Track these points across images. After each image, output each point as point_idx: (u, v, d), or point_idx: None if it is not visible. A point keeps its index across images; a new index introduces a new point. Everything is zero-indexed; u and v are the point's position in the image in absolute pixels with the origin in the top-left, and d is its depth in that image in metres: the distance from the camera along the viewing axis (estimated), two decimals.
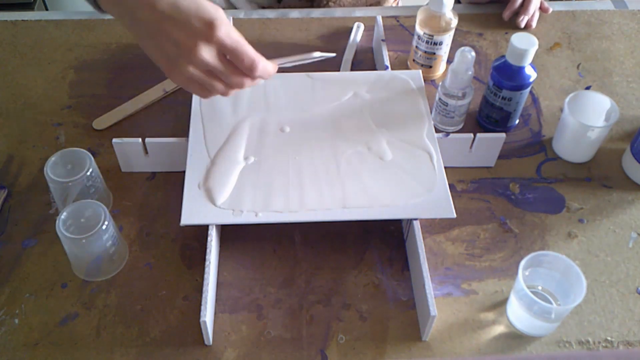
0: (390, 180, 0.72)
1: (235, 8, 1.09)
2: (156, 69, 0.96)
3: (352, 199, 0.71)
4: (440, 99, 0.83)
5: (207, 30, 0.61)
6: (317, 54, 0.73)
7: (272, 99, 0.81)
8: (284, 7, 1.07)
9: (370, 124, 0.79)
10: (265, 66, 0.65)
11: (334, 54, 0.73)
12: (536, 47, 0.77)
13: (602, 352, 0.66)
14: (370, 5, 1.10)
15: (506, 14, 1.02)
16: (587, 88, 0.93)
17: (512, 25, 1.02)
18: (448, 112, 0.83)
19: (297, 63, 0.73)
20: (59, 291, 0.70)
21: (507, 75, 0.80)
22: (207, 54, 0.62)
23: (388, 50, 0.94)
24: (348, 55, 0.96)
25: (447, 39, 0.89)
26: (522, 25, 1.01)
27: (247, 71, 0.64)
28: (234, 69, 0.64)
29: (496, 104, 0.83)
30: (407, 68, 0.95)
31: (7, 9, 1.04)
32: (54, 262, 0.72)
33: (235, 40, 0.62)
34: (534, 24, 1.02)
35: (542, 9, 1.03)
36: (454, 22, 0.87)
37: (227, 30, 0.62)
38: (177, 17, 0.61)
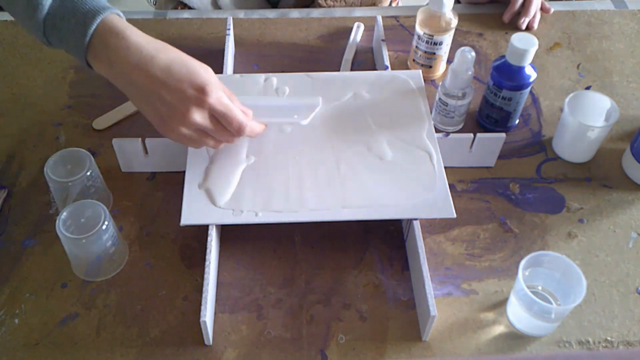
0: (390, 180, 0.72)
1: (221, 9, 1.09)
2: None
3: (352, 199, 0.71)
4: (440, 99, 0.83)
5: (199, 95, 0.64)
6: (303, 121, 0.76)
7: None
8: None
9: (370, 124, 0.79)
10: (253, 127, 0.70)
11: (318, 104, 0.77)
12: (536, 47, 0.77)
13: (602, 352, 0.66)
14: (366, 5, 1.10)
15: (506, 17, 1.02)
16: (587, 88, 0.93)
17: (512, 25, 1.02)
18: (448, 112, 0.83)
19: (283, 121, 0.77)
20: (59, 291, 0.70)
21: (507, 75, 0.80)
22: (199, 117, 0.65)
23: (388, 50, 0.94)
24: (348, 55, 0.96)
25: (447, 39, 0.89)
26: (524, 27, 1.01)
27: (235, 133, 0.68)
28: (224, 130, 0.68)
29: (496, 104, 0.83)
30: (407, 68, 0.95)
31: None
32: (54, 262, 0.72)
33: (224, 105, 0.66)
34: (535, 25, 1.02)
35: (543, 9, 1.03)
36: (454, 22, 0.87)
37: (218, 96, 0.65)
38: (170, 82, 0.63)
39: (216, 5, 1.09)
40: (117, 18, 0.65)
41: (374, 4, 1.11)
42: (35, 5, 0.63)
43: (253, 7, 1.08)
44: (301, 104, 0.77)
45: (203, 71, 0.65)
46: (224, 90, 0.67)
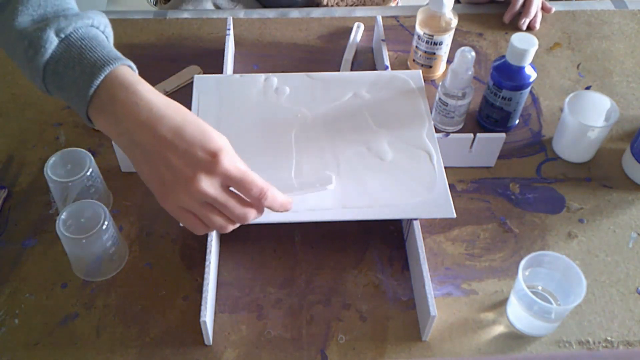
0: (390, 180, 0.72)
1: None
2: (156, 69, 0.96)
3: (352, 199, 0.71)
4: (440, 99, 0.83)
5: (209, 160, 0.56)
6: (329, 186, 0.71)
7: (272, 99, 0.81)
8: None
9: (370, 124, 0.78)
10: (275, 196, 0.60)
11: (332, 181, 0.71)
12: (536, 47, 0.77)
13: (602, 352, 0.66)
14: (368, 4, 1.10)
15: (507, 17, 1.02)
16: (587, 88, 0.93)
17: (512, 25, 1.02)
18: (448, 112, 0.83)
19: (306, 193, 0.71)
20: (59, 291, 0.70)
21: (507, 75, 0.80)
22: (207, 185, 0.56)
23: (388, 50, 0.94)
24: (348, 55, 0.96)
25: (447, 39, 0.89)
26: (524, 27, 1.01)
27: (255, 201, 0.59)
28: (238, 201, 0.59)
29: (496, 104, 0.83)
30: (407, 68, 0.95)
31: None
32: (54, 262, 0.72)
33: (241, 170, 0.57)
34: (537, 25, 1.02)
35: (544, 8, 1.03)
36: (454, 22, 0.87)
37: (233, 160, 0.57)
38: (179, 144, 0.56)
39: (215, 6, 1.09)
40: (128, 71, 0.59)
41: (377, 4, 1.11)
42: (37, 48, 0.57)
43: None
44: (314, 180, 0.72)
45: (218, 137, 0.57)
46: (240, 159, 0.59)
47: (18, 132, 0.85)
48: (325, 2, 1.08)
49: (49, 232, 0.74)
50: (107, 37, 0.62)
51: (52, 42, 0.57)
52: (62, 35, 0.58)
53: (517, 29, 1.01)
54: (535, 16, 1.01)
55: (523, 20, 1.01)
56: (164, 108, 0.57)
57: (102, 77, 0.57)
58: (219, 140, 0.57)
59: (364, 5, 1.11)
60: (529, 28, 1.02)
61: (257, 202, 0.59)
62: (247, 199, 0.59)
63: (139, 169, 0.59)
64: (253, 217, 0.61)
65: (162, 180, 0.57)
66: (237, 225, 0.61)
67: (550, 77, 0.95)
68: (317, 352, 0.65)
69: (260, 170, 0.73)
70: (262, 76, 0.84)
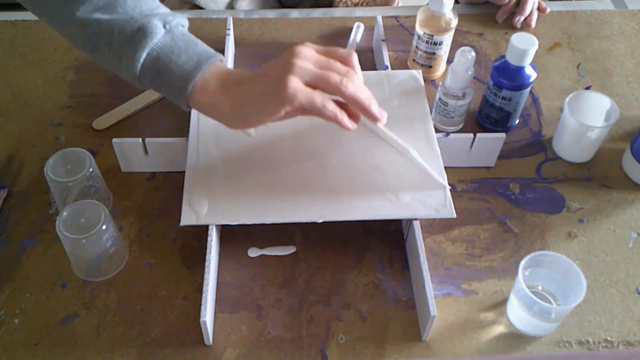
0: (390, 180, 0.72)
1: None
2: None
3: (351, 199, 0.70)
4: (440, 99, 0.83)
5: (291, 52, 0.62)
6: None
7: None
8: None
9: (370, 124, 0.78)
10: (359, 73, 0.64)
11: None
12: (536, 47, 0.77)
13: (602, 352, 0.66)
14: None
15: (499, 16, 1.01)
16: (587, 88, 0.93)
17: (512, 25, 1.02)
18: (448, 112, 0.83)
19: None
20: (59, 291, 0.70)
21: (507, 75, 0.80)
22: (305, 53, 0.62)
23: (388, 50, 0.94)
24: None
25: (447, 39, 0.89)
26: (519, 25, 1.00)
27: (343, 60, 0.64)
28: (334, 60, 0.64)
29: (496, 104, 0.83)
30: (407, 68, 0.95)
31: (7, 9, 1.04)
32: (54, 262, 0.72)
33: (320, 48, 0.64)
34: (532, 23, 1.01)
35: (539, 8, 1.03)
36: (454, 22, 0.87)
37: (308, 45, 0.63)
38: (260, 71, 0.63)
39: (232, 8, 1.09)
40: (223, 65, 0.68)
41: (386, 4, 1.11)
42: (147, 33, 0.64)
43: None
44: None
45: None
46: None
47: (18, 132, 0.85)
48: (337, 3, 1.07)
49: (49, 232, 0.74)
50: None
51: (160, 31, 0.65)
52: (167, 27, 0.65)
53: (517, 28, 1.01)
54: (530, 14, 1.01)
55: (517, 18, 1.00)
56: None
57: (206, 67, 0.65)
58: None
59: (375, 4, 1.10)
60: (525, 26, 1.01)
61: (345, 61, 0.64)
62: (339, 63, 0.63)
63: (240, 101, 0.63)
64: (352, 77, 0.62)
65: (268, 88, 0.61)
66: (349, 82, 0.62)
67: (550, 77, 0.95)
68: (317, 352, 0.65)
69: (260, 171, 0.73)
70: None
